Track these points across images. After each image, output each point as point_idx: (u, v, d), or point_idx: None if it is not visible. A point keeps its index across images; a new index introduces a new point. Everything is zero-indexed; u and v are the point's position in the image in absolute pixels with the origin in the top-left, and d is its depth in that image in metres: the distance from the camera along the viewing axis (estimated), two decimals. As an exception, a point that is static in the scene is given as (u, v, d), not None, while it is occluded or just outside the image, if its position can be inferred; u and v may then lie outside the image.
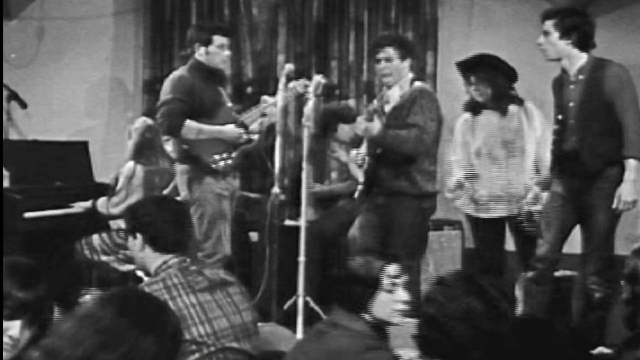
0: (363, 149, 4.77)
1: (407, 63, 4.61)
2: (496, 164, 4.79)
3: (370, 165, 4.64)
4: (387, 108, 4.61)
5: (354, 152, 4.94)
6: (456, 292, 2.13)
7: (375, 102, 4.82)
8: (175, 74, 4.86)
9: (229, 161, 4.78)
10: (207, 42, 4.79)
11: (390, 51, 4.59)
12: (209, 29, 4.94)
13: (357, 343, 2.47)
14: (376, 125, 4.50)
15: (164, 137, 5.12)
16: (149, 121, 5.19)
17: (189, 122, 4.68)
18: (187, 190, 4.75)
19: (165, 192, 5.18)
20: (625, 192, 4.15)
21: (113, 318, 1.67)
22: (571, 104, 4.29)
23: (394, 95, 4.59)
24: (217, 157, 4.73)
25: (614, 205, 4.17)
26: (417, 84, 4.62)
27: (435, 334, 2.13)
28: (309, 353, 2.55)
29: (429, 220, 4.77)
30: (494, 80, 4.74)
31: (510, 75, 4.79)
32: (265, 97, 4.99)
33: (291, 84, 4.82)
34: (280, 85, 4.84)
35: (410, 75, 4.62)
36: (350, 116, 5.35)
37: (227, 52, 4.88)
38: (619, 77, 4.19)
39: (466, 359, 2.09)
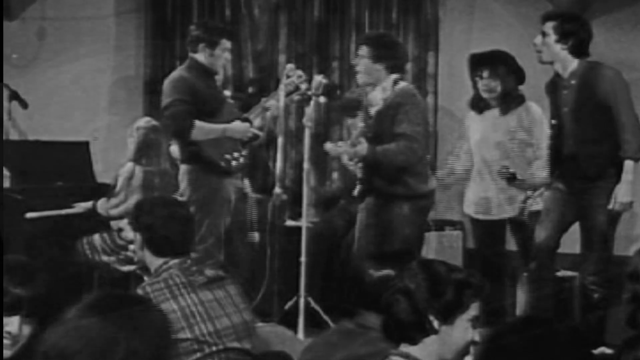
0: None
1: (380, 66, 4.47)
2: (494, 164, 4.79)
3: (365, 173, 4.62)
4: (372, 111, 4.55)
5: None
6: (402, 275, 2.21)
7: (360, 126, 4.74)
8: (174, 75, 4.78)
9: (241, 160, 4.72)
10: (214, 45, 4.73)
11: (364, 49, 4.53)
12: (217, 31, 4.83)
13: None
14: (363, 147, 4.43)
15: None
16: (154, 122, 5.15)
17: (197, 123, 4.63)
18: (190, 191, 4.69)
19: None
20: (621, 193, 4.16)
21: (99, 326, 1.61)
22: (565, 109, 4.29)
23: (377, 99, 4.52)
24: (227, 156, 4.67)
25: (610, 206, 4.17)
26: (400, 85, 4.51)
27: (386, 316, 2.22)
28: (346, 350, 2.53)
29: (425, 219, 4.76)
30: (505, 78, 4.74)
31: (520, 76, 4.79)
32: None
33: (288, 80, 4.77)
34: (281, 85, 4.83)
35: (393, 77, 4.50)
36: None
37: (228, 56, 4.85)
38: (611, 80, 4.19)
39: (409, 337, 2.17)
